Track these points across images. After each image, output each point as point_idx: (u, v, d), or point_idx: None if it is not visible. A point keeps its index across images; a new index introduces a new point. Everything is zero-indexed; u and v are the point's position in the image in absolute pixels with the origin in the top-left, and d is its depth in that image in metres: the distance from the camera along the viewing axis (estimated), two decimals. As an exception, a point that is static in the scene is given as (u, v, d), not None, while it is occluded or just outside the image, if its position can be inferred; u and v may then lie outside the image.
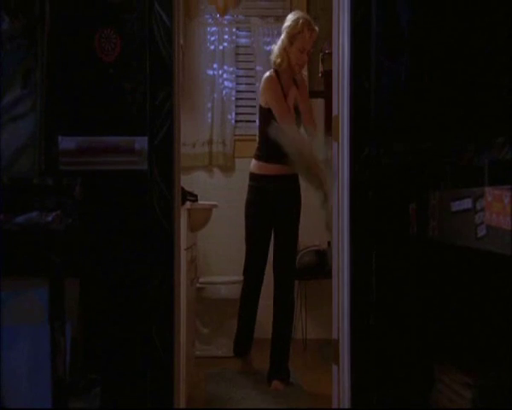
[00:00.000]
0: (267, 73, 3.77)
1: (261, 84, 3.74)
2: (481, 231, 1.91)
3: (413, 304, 2.60)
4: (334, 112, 2.83)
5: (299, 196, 3.76)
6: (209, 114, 5.03)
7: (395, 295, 2.61)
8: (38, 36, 2.29)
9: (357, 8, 2.67)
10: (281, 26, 5.04)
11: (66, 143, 2.51)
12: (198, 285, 4.22)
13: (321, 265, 4.76)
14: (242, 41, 5.18)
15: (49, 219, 2.02)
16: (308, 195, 5.12)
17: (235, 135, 5.12)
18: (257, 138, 3.87)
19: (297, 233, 3.76)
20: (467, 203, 2.01)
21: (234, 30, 5.09)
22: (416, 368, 2.60)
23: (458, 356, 2.49)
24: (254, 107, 4.97)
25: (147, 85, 2.55)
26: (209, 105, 5.04)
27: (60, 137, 2.50)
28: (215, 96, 5.02)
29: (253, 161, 3.77)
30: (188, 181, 4.30)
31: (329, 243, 4.86)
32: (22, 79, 2.27)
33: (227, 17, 5.07)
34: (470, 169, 2.28)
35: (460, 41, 2.66)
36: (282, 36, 3.72)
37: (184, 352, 3.22)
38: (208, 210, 3.80)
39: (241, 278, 3.93)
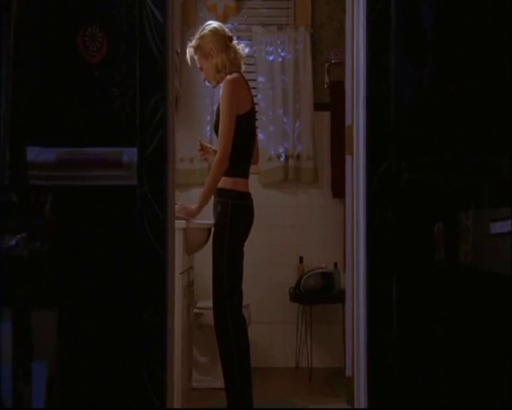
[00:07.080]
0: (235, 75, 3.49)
1: (230, 87, 3.42)
2: (531, 259, 1.65)
3: (440, 340, 2.38)
4: (348, 121, 2.59)
5: None
6: (208, 128, 4.84)
7: (419, 330, 2.39)
8: (4, 28, 2.05)
9: (374, 6, 2.45)
10: (284, 35, 4.93)
11: (45, 154, 2.27)
12: (195, 311, 3.97)
13: (327, 288, 4.58)
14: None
15: (13, 243, 1.75)
16: (312, 215, 4.99)
17: (236, 150, 4.88)
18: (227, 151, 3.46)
19: None
20: (511, 225, 1.74)
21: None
22: (445, 415, 2.36)
23: (496, 404, 2.21)
24: (257, 120, 4.70)
25: (137, 90, 2.36)
26: (208, 118, 4.85)
27: (37, 149, 2.27)
28: (214, 108, 4.79)
29: (238, 178, 3.39)
30: (185, 198, 4.10)
31: (336, 265, 4.65)
32: (-17, 77, 2.03)
33: (227, 25, 4.84)
34: (507, 186, 2.03)
35: (490, 43, 2.44)
36: None
37: (179, 388, 2.94)
38: (206, 230, 3.54)
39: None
